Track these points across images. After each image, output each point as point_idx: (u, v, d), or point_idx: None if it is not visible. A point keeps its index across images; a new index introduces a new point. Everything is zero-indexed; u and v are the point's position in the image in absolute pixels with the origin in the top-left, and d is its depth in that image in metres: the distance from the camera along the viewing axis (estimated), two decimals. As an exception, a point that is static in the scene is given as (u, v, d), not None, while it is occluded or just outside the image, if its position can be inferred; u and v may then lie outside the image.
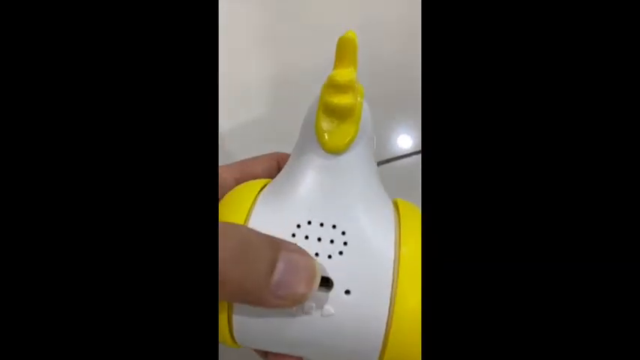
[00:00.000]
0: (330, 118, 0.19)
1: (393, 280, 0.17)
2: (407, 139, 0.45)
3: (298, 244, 0.18)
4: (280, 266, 0.17)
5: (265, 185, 0.21)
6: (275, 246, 0.17)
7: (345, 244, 0.18)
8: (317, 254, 0.18)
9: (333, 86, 0.18)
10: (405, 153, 0.44)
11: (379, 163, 0.39)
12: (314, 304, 0.17)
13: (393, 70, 0.45)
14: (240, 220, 0.19)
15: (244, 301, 0.17)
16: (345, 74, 0.18)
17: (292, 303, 0.17)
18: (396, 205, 0.21)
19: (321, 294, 0.17)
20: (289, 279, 0.17)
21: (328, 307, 0.17)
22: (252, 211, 0.19)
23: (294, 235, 0.18)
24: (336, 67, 0.19)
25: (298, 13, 0.50)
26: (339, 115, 0.19)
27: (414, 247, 0.18)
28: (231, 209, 0.19)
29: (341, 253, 0.18)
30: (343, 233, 0.18)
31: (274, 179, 0.21)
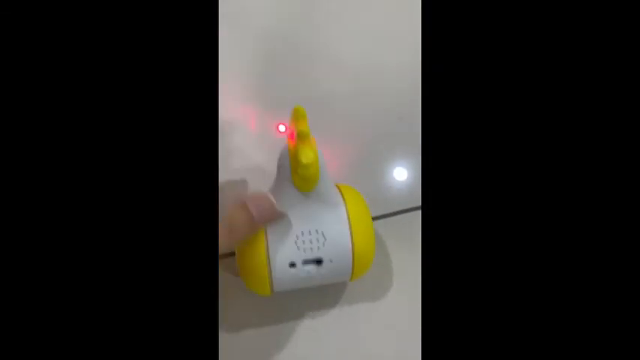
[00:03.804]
0: (301, 178, 0.31)
1: (352, 247, 0.33)
2: (403, 172, 0.47)
3: (302, 246, 0.32)
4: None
5: None
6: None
7: (325, 238, 0.32)
8: (311, 249, 0.32)
9: (303, 165, 0.29)
10: (401, 183, 0.46)
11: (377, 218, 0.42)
12: (315, 268, 0.33)
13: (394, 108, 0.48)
14: (261, 237, 0.32)
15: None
16: (309, 156, 0.29)
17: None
18: (342, 193, 0.35)
19: (317, 266, 0.33)
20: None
21: (323, 271, 0.33)
22: (268, 237, 0.32)
23: (296, 240, 0.32)
24: (298, 135, 0.30)
25: (302, 43, 0.53)
26: (308, 178, 0.31)
27: (358, 229, 0.33)
28: (255, 242, 0.32)
29: (323, 244, 0.32)
30: (322, 233, 0.33)
31: None
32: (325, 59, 0.51)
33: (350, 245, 0.32)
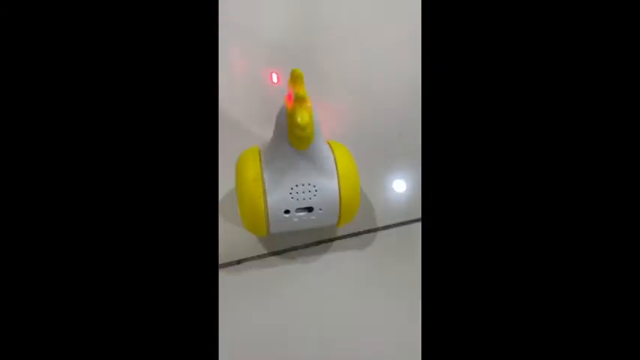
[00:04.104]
0: (297, 138, 0.34)
1: (340, 199, 0.37)
2: (403, 184, 0.48)
3: (296, 196, 0.36)
4: None
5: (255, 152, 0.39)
6: None
7: (316, 190, 0.36)
8: (304, 199, 0.36)
9: (299, 126, 0.32)
10: (401, 196, 0.47)
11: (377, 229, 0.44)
12: (306, 215, 0.37)
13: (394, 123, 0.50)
14: (260, 187, 0.36)
15: None
16: (305, 119, 0.32)
17: None
18: (332, 148, 0.38)
19: (308, 213, 0.37)
20: None
21: (313, 217, 0.37)
22: (265, 186, 0.36)
23: (291, 191, 0.36)
24: (296, 98, 0.32)
25: (308, 59, 0.55)
26: (303, 138, 0.34)
27: (346, 183, 0.37)
28: (252, 184, 0.36)
29: (315, 195, 0.36)
30: (314, 186, 0.36)
31: (267, 158, 0.37)
32: (331, 74, 0.53)
33: (338, 196, 0.37)
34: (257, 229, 0.37)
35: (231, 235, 0.40)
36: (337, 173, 0.37)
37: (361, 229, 0.42)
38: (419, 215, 0.43)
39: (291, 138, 0.34)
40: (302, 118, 0.32)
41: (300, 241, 0.41)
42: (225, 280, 0.39)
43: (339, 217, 0.37)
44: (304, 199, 0.36)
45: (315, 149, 0.35)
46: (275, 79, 0.45)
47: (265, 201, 0.35)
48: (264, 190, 0.35)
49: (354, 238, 0.42)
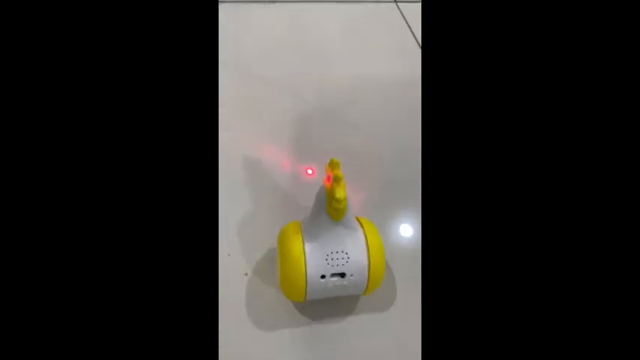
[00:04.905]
0: (334, 210, 0.41)
1: (368, 266, 0.44)
2: (408, 228, 0.58)
3: (331, 262, 0.43)
4: None
5: (296, 224, 0.47)
6: None
7: (348, 257, 0.44)
8: (337, 265, 0.43)
9: (337, 200, 0.40)
10: (406, 239, 0.56)
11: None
12: (339, 280, 0.44)
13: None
14: (302, 257, 0.43)
15: None
16: (342, 194, 0.40)
17: None
18: (361, 224, 0.46)
19: (340, 279, 0.44)
20: None
21: (345, 282, 0.44)
22: (306, 255, 0.43)
23: (327, 257, 0.43)
24: (334, 179, 0.40)
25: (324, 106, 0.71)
26: (340, 210, 0.42)
27: (374, 252, 0.44)
28: (297, 257, 0.43)
29: (347, 262, 0.44)
30: (347, 254, 0.44)
31: (307, 228, 0.45)
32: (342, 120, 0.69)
33: (367, 263, 0.44)
34: (296, 295, 0.44)
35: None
36: (366, 243, 0.44)
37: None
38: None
39: (330, 210, 0.42)
40: (340, 194, 0.40)
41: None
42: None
43: (368, 284, 0.44)
44: (338, 265, 0.43)
45: (346, 220, 0.44)
46: (310, 172, 0.62)
47: (305, 268, 0.42)
48: (305, 258, 0.42)
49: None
